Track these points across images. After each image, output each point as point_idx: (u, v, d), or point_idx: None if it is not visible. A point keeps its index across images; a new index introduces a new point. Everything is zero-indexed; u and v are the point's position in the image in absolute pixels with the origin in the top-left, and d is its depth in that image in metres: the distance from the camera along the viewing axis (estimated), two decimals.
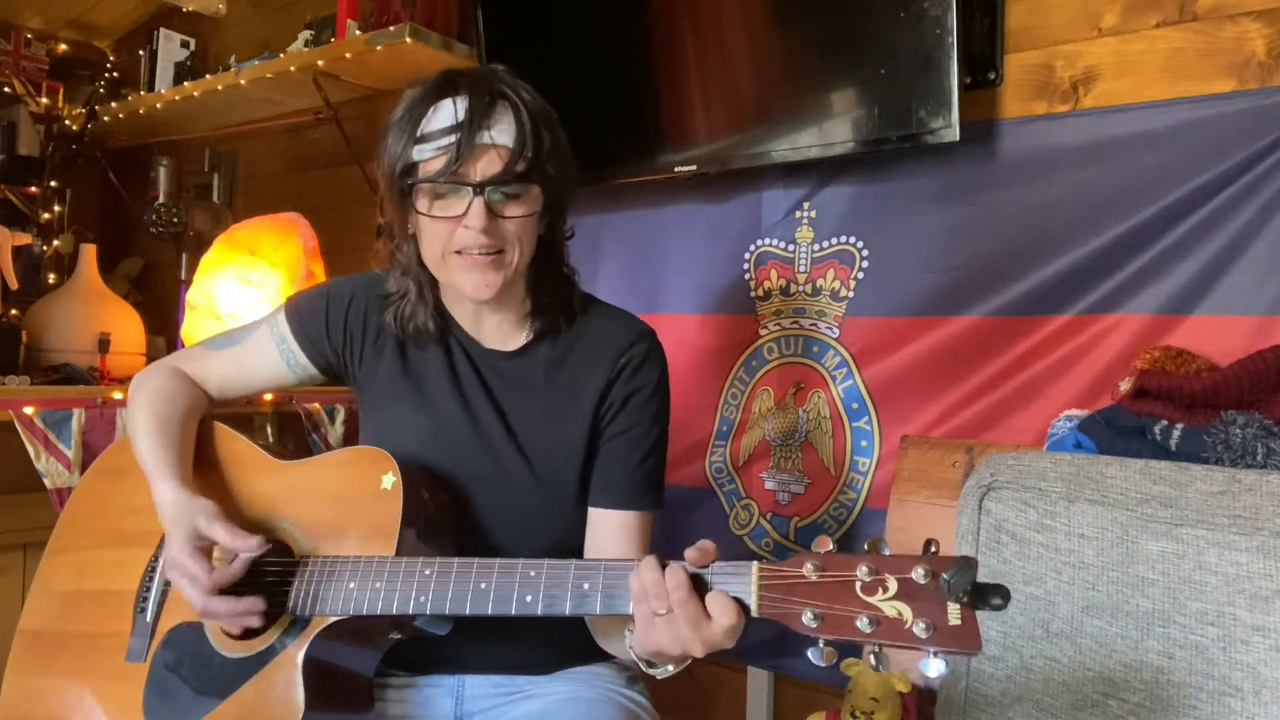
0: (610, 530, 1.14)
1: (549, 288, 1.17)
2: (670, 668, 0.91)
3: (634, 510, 1.14)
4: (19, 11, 2.81)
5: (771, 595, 0.79)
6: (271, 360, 1.24)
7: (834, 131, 1.64)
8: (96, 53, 3.06)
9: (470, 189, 1.02)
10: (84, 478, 1.29)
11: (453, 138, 1.01)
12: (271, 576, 1.05)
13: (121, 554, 1.16)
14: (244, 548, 1.01)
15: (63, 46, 2.94)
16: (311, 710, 0.96)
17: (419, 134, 1.03)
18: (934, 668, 0.73)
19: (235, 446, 1.20)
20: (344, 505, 1.06)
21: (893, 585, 0.76)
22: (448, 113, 1.02)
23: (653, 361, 1.18)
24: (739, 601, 0.81)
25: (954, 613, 0.73)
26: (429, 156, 1.03)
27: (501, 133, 1.03)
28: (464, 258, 1.06)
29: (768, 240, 1.85)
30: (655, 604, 0.83)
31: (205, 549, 1.03)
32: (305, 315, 1.22)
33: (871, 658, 0.76)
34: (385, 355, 1.19)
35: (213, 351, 1.28)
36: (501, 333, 1.18)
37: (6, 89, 2.73)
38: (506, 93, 1.05)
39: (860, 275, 1.73)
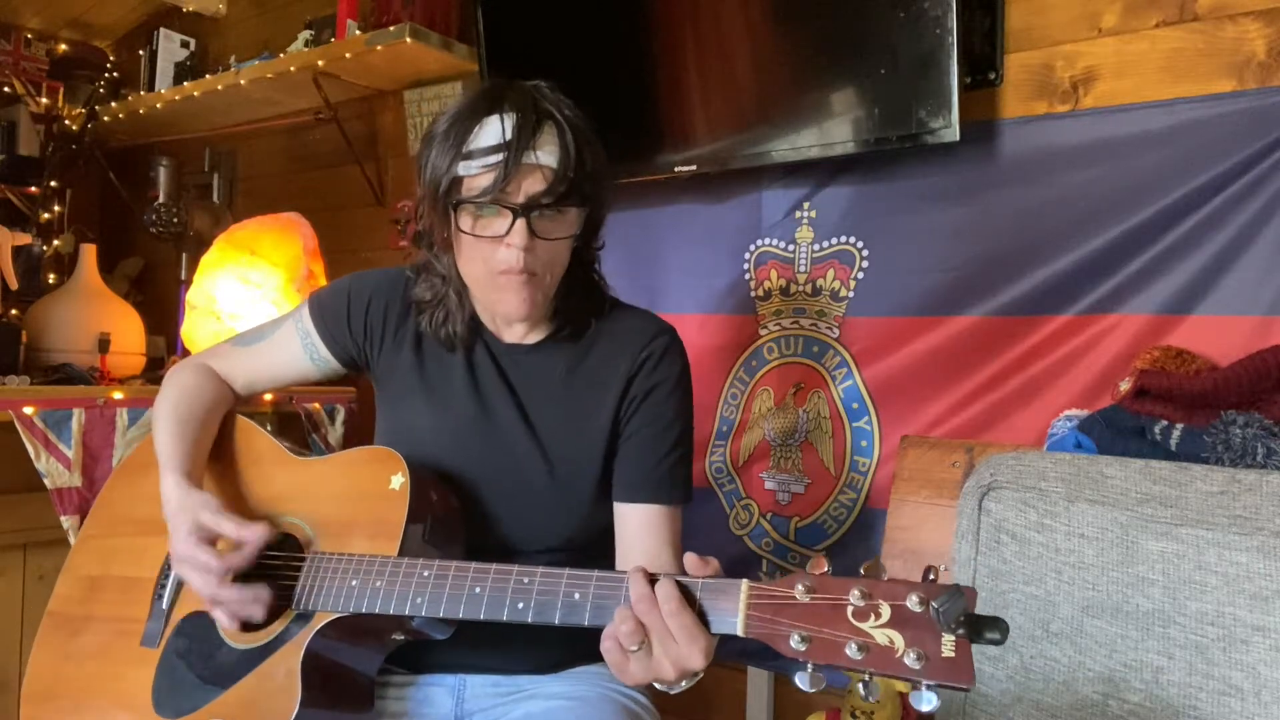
0: (637, 526, 1.14)
1: (580, 294, 1.19)
2: (684, 684, 0.89)
3: (661, 505, 1.14)
4: (19, 11, 2.81)
5: (759, 615, 0.77)
6: (296, 354, 1.26)
7: (834, 131, 1.64)
8: (96, 53, 3.06)
9: (513, 210, 1.03)
10: (117, 469, 1.35)
11: (499, 156, 1.02)
12: (278, 570, 1.06)
13: (145, 542, 1.19)
14: (251, 535, 1.03)
15: (63, 46, 2.94)
16: (309, 705, 0.96)
17: (465, 150, 1.04)
18: (926, 701, 0.69)
19: (255, 441, 1.23)
20: (353, 503, 1.07)
21: (886, 612, 0.73)
22: (494, 130, 1.03)
23: (673, 356, 1.19)
24: (703, 622, 0.80)
25: (948, 644, 0.70)
26: (475, 173, 1.04)
27: (547, 154, 1.04)
28: (505, 278, 1.06)
29: (768, 240, 1.85)
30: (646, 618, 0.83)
31: (211, 540, 1.04)
32: (327, 310, 1.24)
33: (861, 687, 0.73)
34: (404, 350, 1.21)
35: (240, 348, 1.30)
36: (524, 328, 1.19)
37: (6, 89, 2.73)
38: (552, 112, 1.06)
39: (860, 275, 1.73)
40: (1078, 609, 1.22)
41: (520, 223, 1.03)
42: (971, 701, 1.28)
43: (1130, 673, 1.17)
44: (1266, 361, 1.27)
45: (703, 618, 0.81)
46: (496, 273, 1.07)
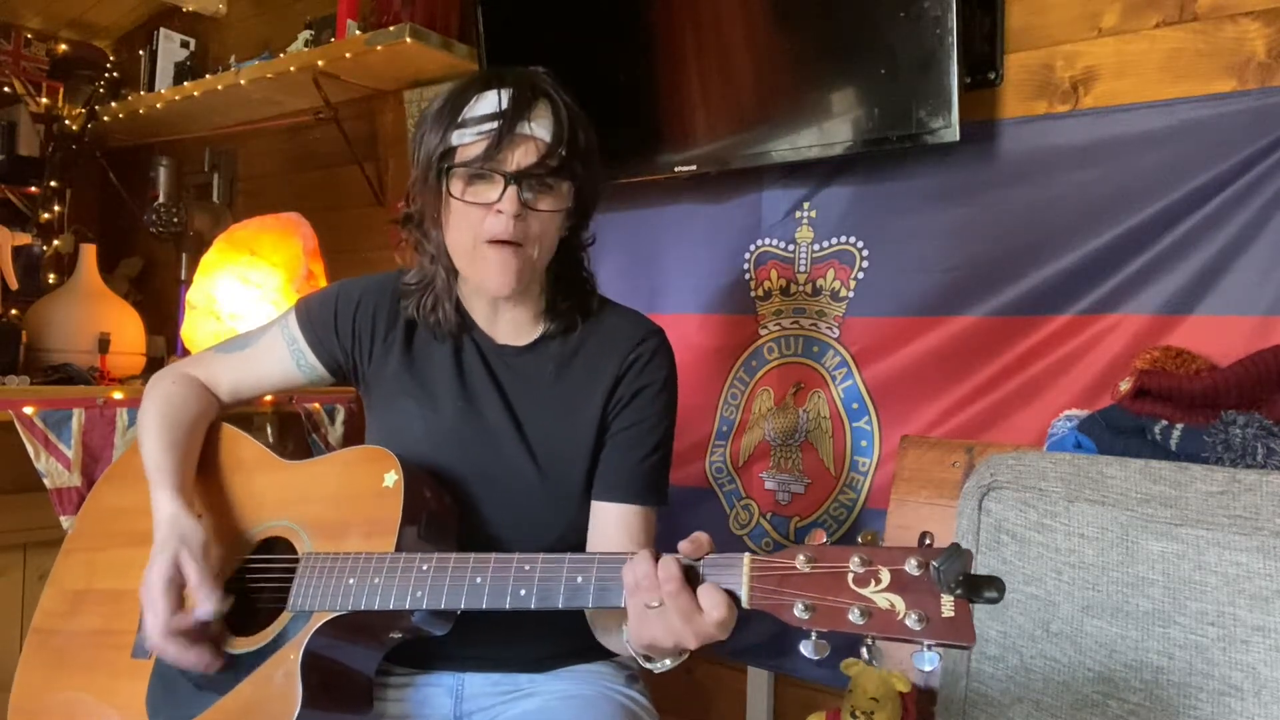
0: (613, 525, 1.14)
1: (566, 290, 1.18)
2: (667, 662, 0.91)
3: (637, 505, 1.15)
4: (19, 11, 2.81)
5: (763, 587, 0.79)
6: (283, 361, 1.25)
7: (834, 131, 1.64)
8: (96, 53, 3.06)
9: (505, 177, 1.04)
10: (100, 480, 1.32)
11: (494, 124, 1.03)
12: (274, 573, 1.05)
13: (132, 554, 1.17)
14: (204, 600, 1.02)
15: (63, 46, 2.94)
16: (309, 706, 0.96)
17: (460, 120, 1.05)
18: (927, 661, 0.72)
19: (242, 447, 1.22)
20: (347, 503, 1.07)
21: (885, 577, 0.75)
22: (490, 101, 1.05)
23: (661, 358, 1.19)
24: (730, 594, 0.81)
25: (948, 605, 0.72)
26: (469, 141, 1.05)
27: (541, 126, 1.05)
28: (492, 247, 1.07)
29: (768, 240, 1.85)
30: (647, 596, 0.83)
31: (178, 584, 1.03)
32: (315, 316, 1.23)
33: (865, 651, 0.75)
34: (393, 353, 1.20)
35: (225, 355, 1.29)
36: (515, 328, 1.19)
37: (6, 89, 2.73)
38: (548, 90, 1.08)
39: (860, 275, 1.73)
40: (1078, 609, 1.22)
41: (511, 189, 1.04)
42: (971, 701, 1.28)
43: (1130, 673, 1.17)
44: (1266, 361, 1.27)
45: None
46: (484, 241, 1.07)
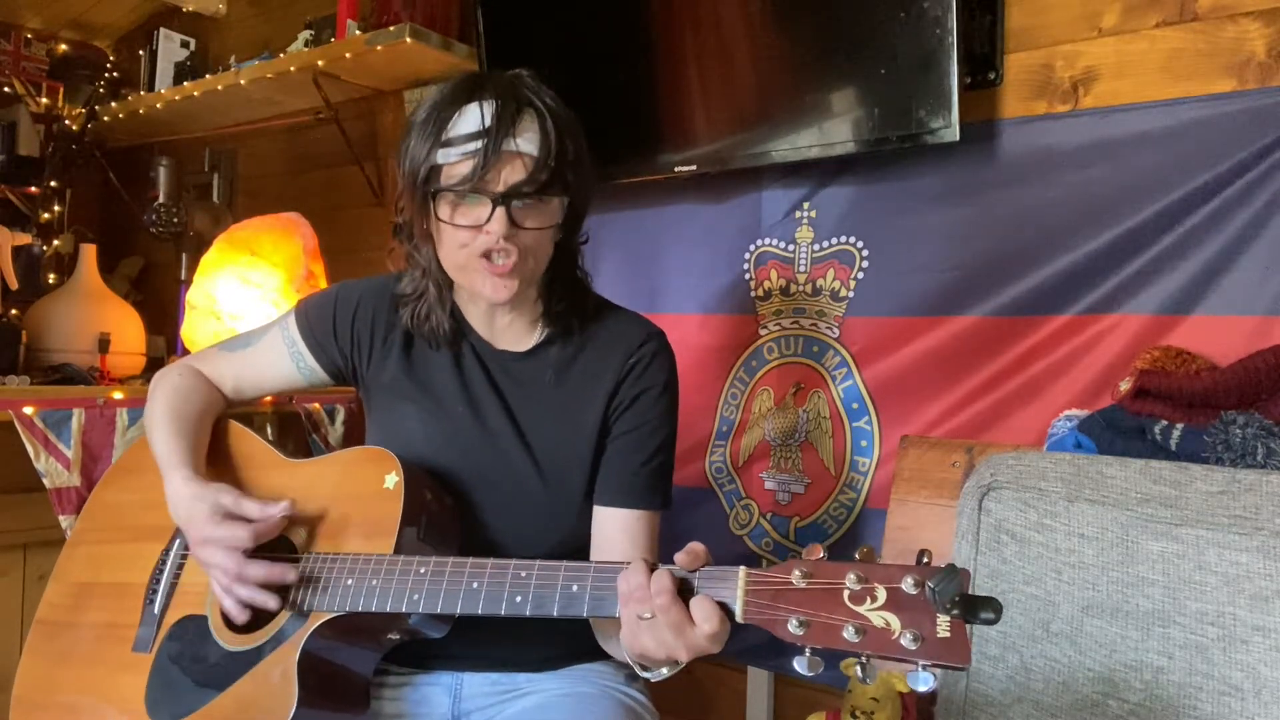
0: (615, 529, 1.14)
1: (563, 293, 1.17)
2: (664, 671, 0.90)
3: (639, 510, 1.14)
4: (19, 11, 2.81)
5: (757, 601, 0.78)
6: (282, 363, 1.25)
7: (834, 131, 1.64)
8: (96, 53, 3.06)
9: (493, 199, 1.02)
10: (106, 474, 1.33)
11: (479, 143, 1.00)
12: None
13: (136, 547, 1.19)
14: (277, 510, 1.04)
15: (63, 46, 2.94)
16: (305, 706, 0.96)
17: (444, 138, 1.02)
18: (923, 681, 0.71)
19: (247, 444, 1.22)
20: (347, 504, 1.07)
21: (882, 595, 0.74)
22: (474, 117, 1.02)
23: (661, 361, 1.18)
24: (723, 607, 0.80)
25: (943, 625, 0.71)
26: (454, 161, 1.02)
27: (527, 141, 1.02)
28: (484, 263, 1.05)
29: (768, 240, 1.85)
30: (639, 607, 0.82)
31: (234, 517, 1.04)
32: (314, 319, 1.23)
33: (859, 669, 0.74)
34: (392, 357, 1.20)
35: (228, 353, 1.30)
36: (513, 334, 1.18)
37: (6, 89, 2.73)
38: (532, 99, 1.04)
39: (860, 275, 1.73)
40: (1078, 609, 1.22)
41: (500, 211, 1.02)
42: (971, 701, 1.28)
43: (1130, 673, 1.17)
44: (1266, 361, 1.27)
45: None
46: (476, 257, 1.05)
